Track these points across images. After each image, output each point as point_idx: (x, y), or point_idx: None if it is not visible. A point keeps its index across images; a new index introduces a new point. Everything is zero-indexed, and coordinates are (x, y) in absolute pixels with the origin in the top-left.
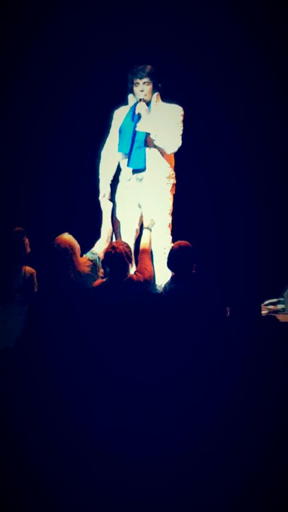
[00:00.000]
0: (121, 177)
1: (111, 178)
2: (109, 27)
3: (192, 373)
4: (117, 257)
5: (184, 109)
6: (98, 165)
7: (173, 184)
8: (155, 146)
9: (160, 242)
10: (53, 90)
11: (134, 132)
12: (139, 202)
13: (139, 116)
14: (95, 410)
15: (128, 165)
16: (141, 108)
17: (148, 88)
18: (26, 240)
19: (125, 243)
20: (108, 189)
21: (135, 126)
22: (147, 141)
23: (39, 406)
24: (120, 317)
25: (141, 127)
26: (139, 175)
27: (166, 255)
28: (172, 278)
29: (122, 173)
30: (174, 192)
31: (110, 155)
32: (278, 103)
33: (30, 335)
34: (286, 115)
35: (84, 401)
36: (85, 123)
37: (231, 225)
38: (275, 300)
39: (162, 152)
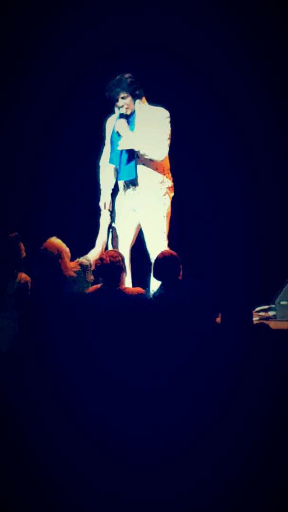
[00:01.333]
0: (119, 186)
1: (112, 187)
2: (96, 30)
3: (184, 378)
4: (105, 269)
5: (170, 111)
6: (96, 173)
7: (168, 187)
8: (144, 157)
9: (156, 248)
10: (49, 95)
11: None
12: (134, 208)
13: (118, 134)
14: (89, 413)
15: (119, 178)
16: (119, 126)
17: (127, 101)
18: (21, 245)
19: (116, 253)
20: (109, 199)
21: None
22: (135, 154)
23: (34, 408)
24: (110, 322)
25: (122, 145)
26: (133, 181)
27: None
28: (161, 285)
29: (118, 181)
30: (171, 195)
31: (108, 165)
32: (276, 100)
33: (23, 339)
34: (284, 114)
35: (78, 403)
36: (81, 129)
37: (225, 232)
38: (266, 307)
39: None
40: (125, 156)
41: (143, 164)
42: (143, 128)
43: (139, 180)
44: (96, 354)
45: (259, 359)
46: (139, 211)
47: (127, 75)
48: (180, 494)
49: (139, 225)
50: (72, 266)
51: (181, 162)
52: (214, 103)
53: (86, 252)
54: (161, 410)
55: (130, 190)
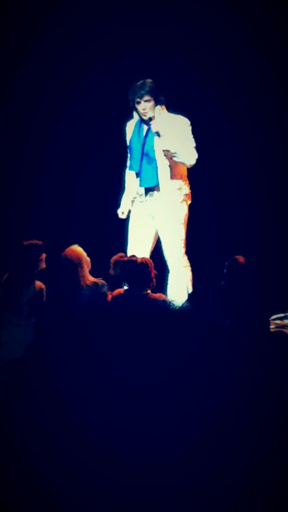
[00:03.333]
0: (130, 185)
1: (134, 196)
2: (111, 35)
3: (201, 385)
4: (135, 271)
5: (190, 120)
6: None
7: (185, 194)
8: (169, 161)
9: (174, 255)
10: (50, 98)
11: (143, 150)
12: (152, 215)
13: (158, 134)
14: (102, 418)
15: (140, 184)
16: (158, 126)
17: (149, 105)
18: (43, 255)
19: (145, 257)
20: (128, 207)
21: (143, 144)
22: (160, 156)
23: (45, 416)
24: (123, 327)
25: (161, 146)
26: (151, 188)
27: (180, 268)
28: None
29: (131, 181)
30: (189, 203)
31: (132, 172)
32: (280, 108)
33: (37, 346)
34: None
35: (90, 410)
36: (95, 137)
37: (240, 240)
38: (282, 315)
39: (175, 165)
40: (146, 163)
41: (162, 171)
42: (173, 133)
43: (159, 185)
44: (114, 361)
45: (276, 368)
46: (157, 218)
47: (149, 80)
48: (180, 494)
49: (157, 232)
50: (90, 279)
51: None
52: (220, 110)
53: (97, 260)
54: (171, 413)
55: (148, 197)
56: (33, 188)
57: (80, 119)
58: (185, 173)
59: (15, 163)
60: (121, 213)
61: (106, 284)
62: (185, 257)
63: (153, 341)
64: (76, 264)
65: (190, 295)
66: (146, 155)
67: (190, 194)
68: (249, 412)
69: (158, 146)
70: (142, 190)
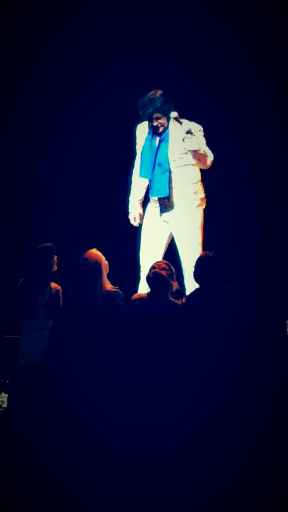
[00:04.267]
0: (137, 189)
1: (140, 198)
2: (114, 36)
3: (222, 388)
4: (158, 278)
5: (201, 123)
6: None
7: (201, 198)
8: (183, 168)
9: (191, 260)
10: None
11: (155, 159)
12: (166, 220)
13: (189, 132)
14: (115, 422)
15: (150, 194)
16: (189, 126)
17: (161, 121)
18: (55, 258)
19: (167, 263)
20: (138, 211)
21: (156, 153)
22: (174, 165)
23: (60, 419)
24: (138, 333)
25: (191, 146)
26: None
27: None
28: (196, 292)
29: (140, 186)
30: (204, 207)
31: (139, 177)
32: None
33: (53, 349)
34: None
35: (104, 413)
36: (99, 138)
37: (255, 244)
38: None
39: (191, 170)
40: (158, 173)
41: (177, 174)
42: (178, 142)
43: (173, 191)
44: (129, 365)
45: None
46: (172, 223)
47: (159, 93)
48: (179, 494)
49: (170, 236)
50: (108, 286)
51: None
52: (228, 117)
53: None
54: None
55: (162, 201)
56: (41, 192)
57: (83, 122)
58: (200, 177)
59: (23, 169)
60: (133, 218)
61: (121, 294)
62: None
63: (172, 344)
64: (95, 268)
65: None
66: (159, 165)
67: (205, 198)
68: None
69: (189, 146)
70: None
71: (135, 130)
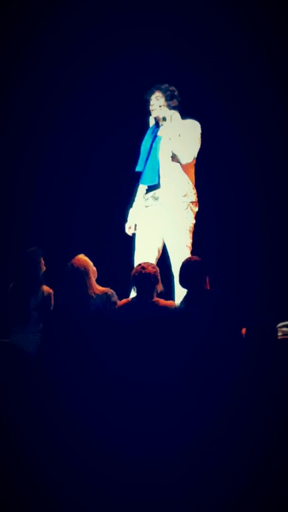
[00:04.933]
0: (138, 198)
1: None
2: (118, 38)
3: (208, 391)
4: (144, 278)
5: (202, 125)
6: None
7: (192, 202)
8: (171, 158)
9: (179, 262)
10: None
11: (150, 150)
12: (157, 224)
13: (164, 119)
14: (113, 424)
15: (140, 181)
16: (166, 113)
17: (159, 102)
18: (42, 259)
19: (153, 264)
20: (134, 221)
21: (151, 145)
22: (165, 160)
23: (52, 420)
24: (131, 337)
25: (162, 131)
26: (156, 193)
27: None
28: (185, 298)
29: (139, 193)
30: (196, 210)
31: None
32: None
33: (44, 353)
34: None
35: (99, 414)
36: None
37: (246, 247)
38: None
39: (182, 171)
40: (150, 161)
41: (169, 175)
42: (177, 128)
43: (162, 192)
44: (121, 368)
45: (284, 375)
46: (162, 225)
47: (166, 85)
48: (179, 494)
49: (163, 241)
50: (98, 288)
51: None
52: (230, 117)
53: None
54: (185, 424)
55: (152, 201)
56: (35, 196)
57: (83, 122)
58: (193, 179)
59: (17, 169)
60: (128, 228)
61: (114, 293)
62: None
63: (161, 347)
64: (82, 273)
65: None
66: (152, 156)
67: (197, 201)
68: (255, 416)
69: (160, 132)
70: (144, 195)
71: (148, 120)
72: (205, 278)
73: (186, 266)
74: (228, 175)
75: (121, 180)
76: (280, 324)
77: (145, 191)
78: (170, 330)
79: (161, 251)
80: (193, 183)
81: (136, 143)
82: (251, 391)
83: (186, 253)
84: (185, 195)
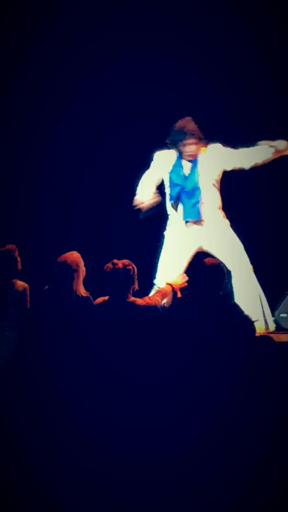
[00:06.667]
0: (174, 221)
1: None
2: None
3: (186, 390)
4: (115, 275)
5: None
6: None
7: (228, 224)
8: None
9: (247, 285)
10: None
11: (185, 185)
12: (200, 244)
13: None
14: (91, 423)
15: (184, 218)
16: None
17: (194, 147)
18: (18, 258)
19: (129, 262)
20: (147, 198)
21: (186, 179)
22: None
23: (36, 419)
24: (115, 334)
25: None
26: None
27: (256, 299)
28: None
29: (176, 216)
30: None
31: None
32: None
33: (24, 349)
34: None
35: (80, 412)
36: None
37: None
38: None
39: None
40: (189, 197)
41: (209, 203)
42: (206, 168)
43: (204, 217)
44: (99, 366)
45: (262, 372)
46: (205, 240)
47: (191, 125)
48: (179, 495)
49: (192, 256)
50: (82, 290)
51: None
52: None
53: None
54: (166, 421)
55: (194, 226)
56: (31, 193)
57: (83, 122)
58: (221, 204)
59: (14, 168)
60: (141, 202)
61: (90, 297)
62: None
63: (139, 346)
64: (73, 269)
65: (177, 301)
66: (190, 191)
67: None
68: (244, 417)
69: (205, 181)
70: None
71: (152, 154)
72: (223, 284)
73: (214, 268)
74: (228, 175)
75: (121, 181)
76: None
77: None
78: (146, 330)
79: (186, 267)
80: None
81: (136, 143)
82: (228, 389)
83: (251, 272)
84: (223, 217)
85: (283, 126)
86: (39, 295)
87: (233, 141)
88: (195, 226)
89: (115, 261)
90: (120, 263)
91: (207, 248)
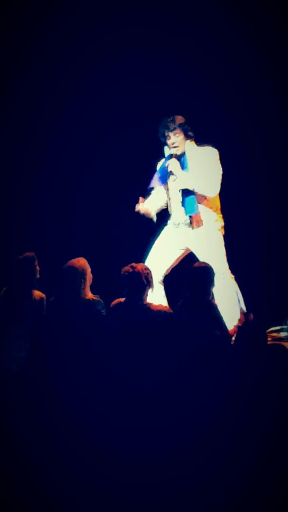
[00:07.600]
0: (169, 222)
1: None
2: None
3: (199, 396)
4: (135, 277)
5: (219, 150)
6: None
7: (221, 226)
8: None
9: (227, 291)
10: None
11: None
12: (187, 246)
13: (172, 173)
14: (102, 431)
15: (186, 213)
16: (173, 166)
17: (179, 139)
18: (37, 266)
19: (146, 266)
20: (145, 206)
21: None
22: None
23: (44, 426)
24: (128, 338)
25: (178, 185)
26: (187, 219)
27: (235, 304)
28: (183, 304)
29: (171, 218)
30: (223, 234)
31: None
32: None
33: (36, 357)
34: None
35: (89, 420)
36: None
37: (236, 253)
38: (278, 327)
39: (208, 198)
40: (184, 193)
41: (199, 203)
42: (195, 167)
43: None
44: (110, 372)
45: (273, 380)
46: (196, 252)
47: (180, 116)
48: (179, 495)
49: (180, 258)
50: (90, 295)
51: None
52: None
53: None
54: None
55: (183, 227)
56: (34, 198)
57: (83, 123)
58: (219, 205)
59: (15, 171)
60: (141, 205)
61: (101, 301)
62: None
63: (152, 351)
64: (80, 275)
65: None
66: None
67: (223, 227)
68: (246, 420)
69: (177, 185)
70: (178, 219)
71: (156, 165)
72: (211, 287)
73: (198, 271)
74: (228, 175)
75: (121, 182)
76: (269, 330)
77: (177, 217)
78: (165, 336)
79: (171, 267)
80: (219, 208)
81: (136, 143)
82: (242, 396)
83: (231, 279)
84: (216, 220)
85: (283, 126)
86: (49, 302)
87: (229, 144)
88: (186, 228)
89: (134, 264)
90: (138, 266)
91: (193, 249)
